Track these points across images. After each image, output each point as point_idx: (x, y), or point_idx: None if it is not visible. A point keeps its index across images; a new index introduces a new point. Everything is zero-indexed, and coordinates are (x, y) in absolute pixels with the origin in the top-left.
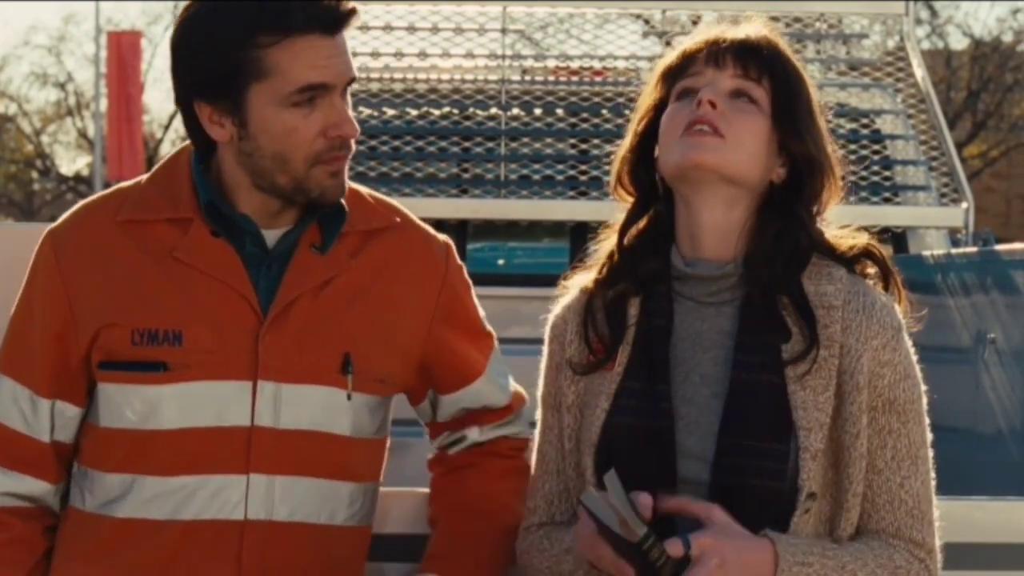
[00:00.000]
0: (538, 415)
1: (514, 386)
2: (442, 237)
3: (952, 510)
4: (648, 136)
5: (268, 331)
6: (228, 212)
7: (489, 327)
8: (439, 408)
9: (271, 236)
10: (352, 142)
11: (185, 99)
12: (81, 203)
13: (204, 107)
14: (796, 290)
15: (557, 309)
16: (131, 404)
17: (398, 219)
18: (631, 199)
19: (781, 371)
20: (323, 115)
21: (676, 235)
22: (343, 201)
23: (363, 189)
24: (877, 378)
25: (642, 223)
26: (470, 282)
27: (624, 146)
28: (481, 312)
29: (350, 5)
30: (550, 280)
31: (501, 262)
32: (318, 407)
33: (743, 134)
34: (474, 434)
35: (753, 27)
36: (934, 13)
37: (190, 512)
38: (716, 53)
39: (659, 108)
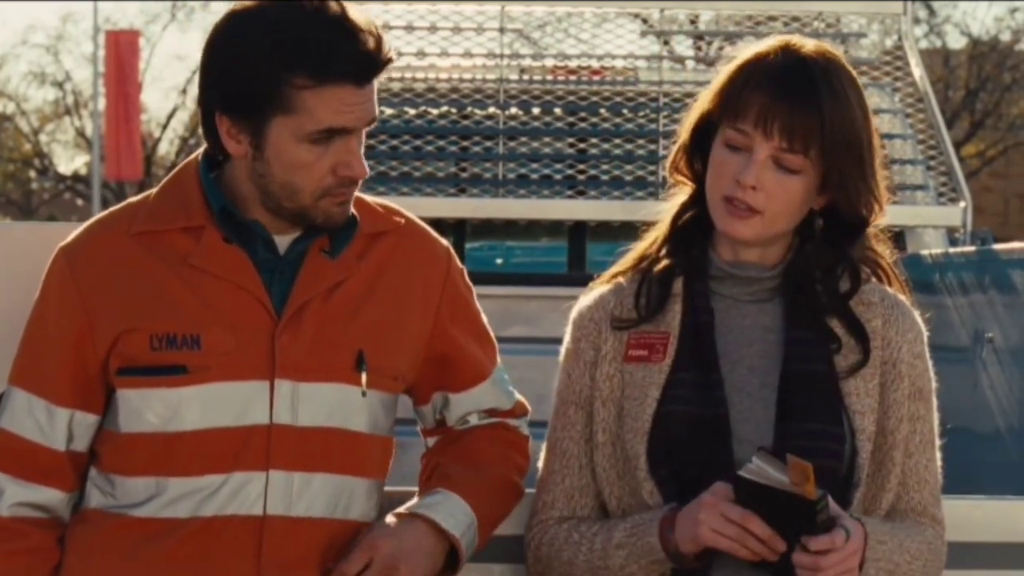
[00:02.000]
0: (551, 410)
1: (518, 396)
2: (443, 240)
3: (951, 509)
4: (702, 130)
5: (283, 331)
6: (240, 218)
7: (492, 336)
8: (450, 409)
9: (282, 242)
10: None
11: (208, 106)
12: (91, 220)
13: (224, 120)
14: (841, 300)
15: (583, 306)
16: (152, 408)
17: (401, 220)
18: (689, 185)
19: (829, 361)
20: (336, 154)
21: (716, 238)
22: (353, 211)
23: (362, 195)
24: (910, 368)
25: (687, 216)
26: (472, 286)
27: (680, 139)
28: (484, 319)
29: (388, 54)
30: (548, 279)
31: (499, 261)
32: (335, 404)
33: (782, 206)
34: (474, 419)
35: (813, 67)
36: (932, 12)
37: (211, 508)
38: (766, 118)
39: (711, 117)
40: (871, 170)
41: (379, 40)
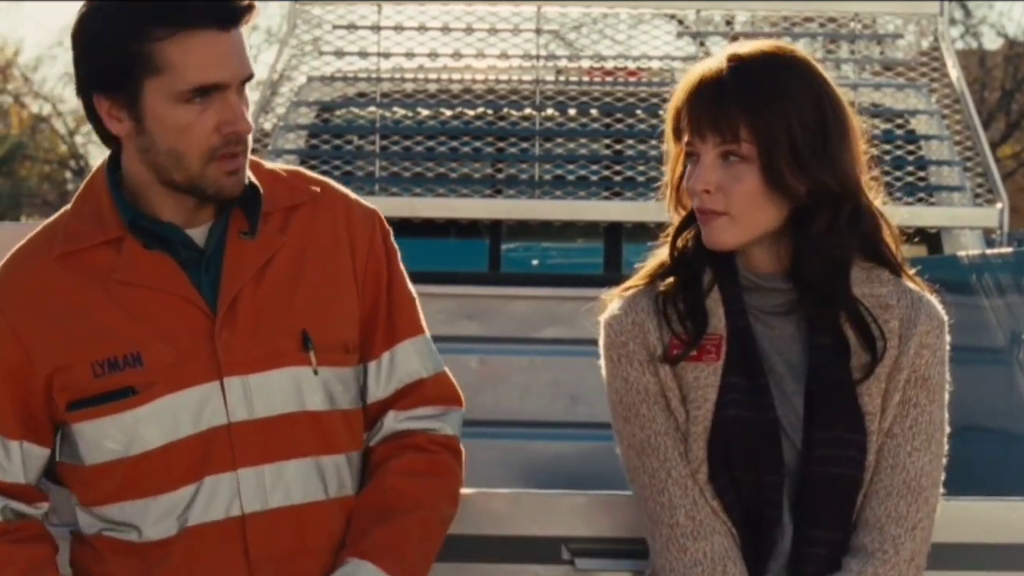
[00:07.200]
0: (612, 424)
1: (455, 385)
2: (367, 203)
3: (970, 512)
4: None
5: (222, 329)
6: (150, 226)
7: (421, 317)
8: (369, 380)
9: (199, 234)
10: (248, 138)
11: (85, 93)
12: (15, 248)
13: (103, 101)
14: (850, 303)
15: (613, 313)
16: (111, 435)
17: (316, 189)
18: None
19: (849, 367)
20: (217, 112)
21: (740, 250)
22: (255, 182)
23: (276, 166)
24: (917, 357)
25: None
26: (397, 248)
27: (667, 174)
28: (412, 292)
29: (246, 1)
30: (584, 281)
31: (535, 262)
32: (289, 389)
33: (744, 201)
34: (389, 420)
35: (732, 64)
36: (968, 13)
37: (192, 519)
38: (696, 124)
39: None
40: (818, 154)
41: None
